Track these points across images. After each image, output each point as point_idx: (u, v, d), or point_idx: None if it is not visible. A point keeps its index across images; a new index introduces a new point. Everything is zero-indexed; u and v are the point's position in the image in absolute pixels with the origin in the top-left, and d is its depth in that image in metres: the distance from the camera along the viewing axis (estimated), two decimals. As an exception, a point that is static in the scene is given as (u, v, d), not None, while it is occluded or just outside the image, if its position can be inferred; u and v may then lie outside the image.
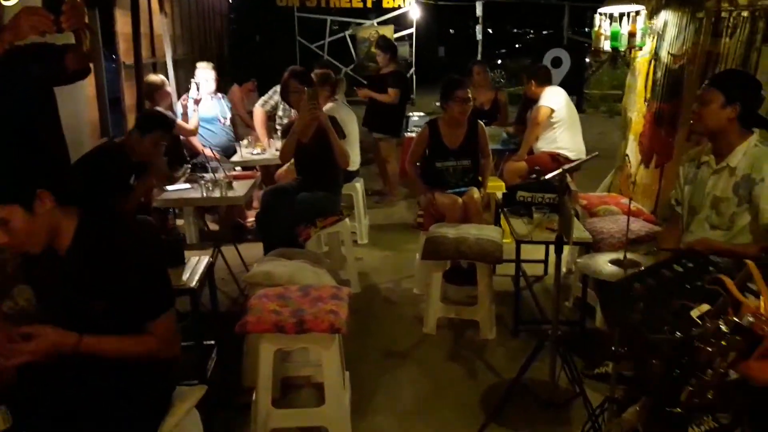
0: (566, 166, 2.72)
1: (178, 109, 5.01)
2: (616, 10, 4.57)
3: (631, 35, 4.50)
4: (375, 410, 2.83)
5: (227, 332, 2.70)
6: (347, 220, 4.13)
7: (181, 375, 2.03)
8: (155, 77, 4.87)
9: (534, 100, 5.14)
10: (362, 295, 4.04)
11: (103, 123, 4.86)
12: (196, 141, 5.07)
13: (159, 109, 4.07)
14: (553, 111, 4.90)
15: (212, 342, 3.01)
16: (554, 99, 4.96)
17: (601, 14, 4.67)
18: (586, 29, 11.73)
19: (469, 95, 3.95)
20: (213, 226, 5.13)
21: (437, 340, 3.49)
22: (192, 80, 5.10)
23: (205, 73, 5.16)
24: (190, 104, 4.92)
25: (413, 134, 6.12)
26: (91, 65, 2.57)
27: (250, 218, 5.04)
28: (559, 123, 4.92)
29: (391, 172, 6.26)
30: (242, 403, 2.72)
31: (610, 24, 4.61)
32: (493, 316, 3.50)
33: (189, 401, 1.96)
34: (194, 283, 2.57)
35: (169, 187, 3.81)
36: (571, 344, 3.00)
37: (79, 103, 4.00)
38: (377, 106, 6.03)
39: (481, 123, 4.15)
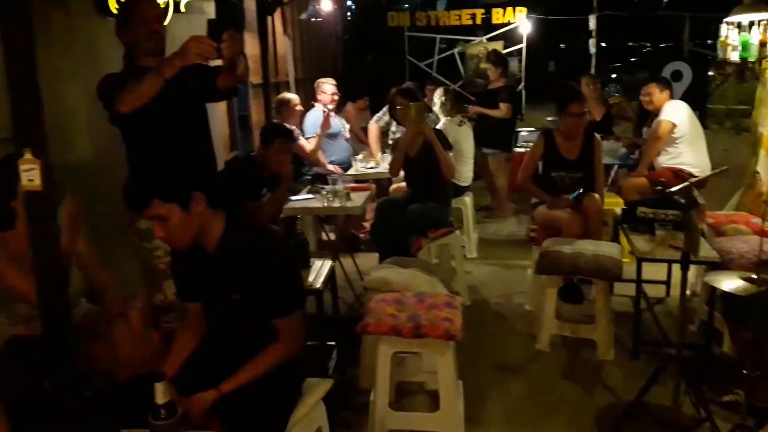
0: (693, 179, 2.63)
1: (314, 118, 5.16)
2: (745, 18, 4.34)
3: (762, 45, 4.26)
4: (488, 421, 2.85)
5: (345, 335, 2.84)
6: (458, 232, 4.18)
7: (306, 372, 2.15)
8: (287, 95, 5.12)
9: (654, 113, 4.96)
10: (473, 308, 4.06)
11: (232, 138, 5.26)
12: (321, 157, 5.19)
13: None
14: (674, 125, 4.69)
15: (333, 343, 3.17)
16: (676, 113, 4.74)
17: (728, 23, 4.45)
18: (709, 41, 11.05)
19: (584, 109, 3.92)
20: (331, 237, 5.34)
21: (551, 357, 3.44)
22: (320, 102, 5.25)
23: (331, 89, 5.36)
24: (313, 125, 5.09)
25: (522, 149, 6.09)
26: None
27: (365, 229, 5.21)
28: (682, 138, 4.70)
29: (500, 188, 6.24)
30: (359, 403, 2.84)
31: (739, 33, 4.38)
32: (611, 336, 3.39)
33: (317, 393, 2.09)
34: (319, 284, 2.75)
35: (293, 197, 4.06)
36: (696, 368, 2.86)
37: (213, 119, 4.37)
38: (487, 122, 6.05)
39: (598, 137, 4.06)
